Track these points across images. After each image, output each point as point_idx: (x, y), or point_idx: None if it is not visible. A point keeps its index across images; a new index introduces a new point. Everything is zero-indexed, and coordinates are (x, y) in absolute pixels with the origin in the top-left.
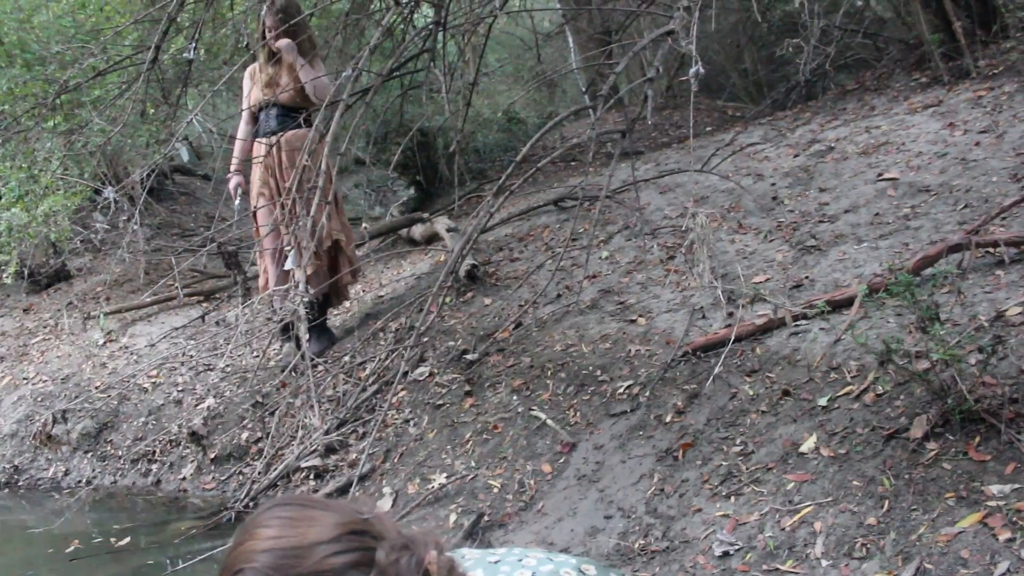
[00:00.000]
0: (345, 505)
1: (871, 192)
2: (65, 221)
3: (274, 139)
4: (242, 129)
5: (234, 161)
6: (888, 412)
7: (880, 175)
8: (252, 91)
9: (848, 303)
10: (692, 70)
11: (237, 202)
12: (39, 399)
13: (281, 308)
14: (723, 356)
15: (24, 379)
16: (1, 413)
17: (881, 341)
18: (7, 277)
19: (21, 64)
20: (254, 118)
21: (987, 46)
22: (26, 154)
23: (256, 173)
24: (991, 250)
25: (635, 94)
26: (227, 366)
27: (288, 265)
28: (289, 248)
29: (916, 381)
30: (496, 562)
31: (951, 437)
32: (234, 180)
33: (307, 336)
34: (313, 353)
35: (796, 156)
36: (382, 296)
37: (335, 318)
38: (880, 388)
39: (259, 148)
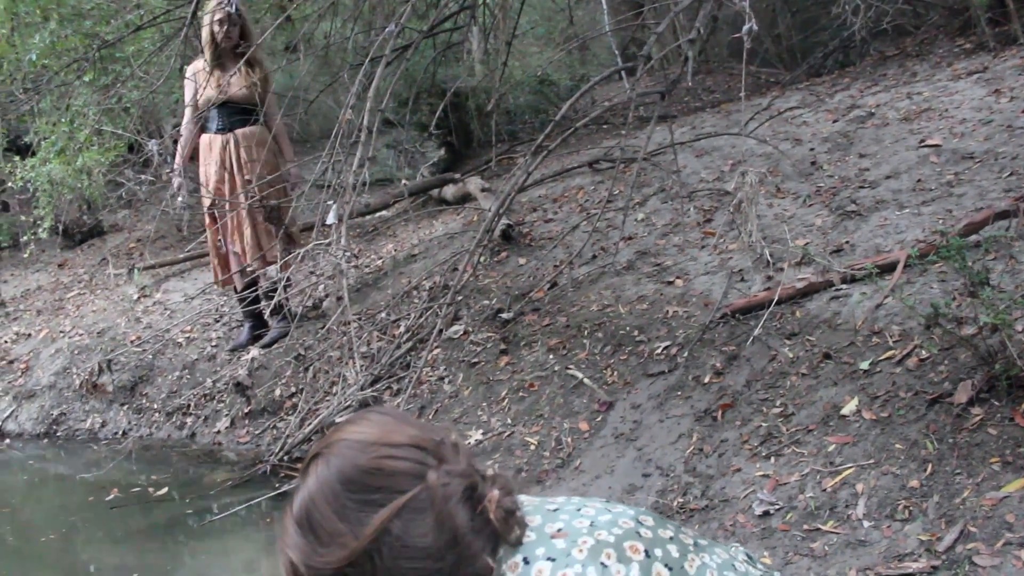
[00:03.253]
0: (431, 426)
1: (913, 158)
2: (100, 177)
3: (230, 135)
4: (186, 127)
5: (178, 158)
6: (932, 377)
7: (922, 141)
8: (200, 90)
9: (891, 268)
10: (745, 27)
11: (179, 199)
12: (76, 352)
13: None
14: (764, 318)
15: (61, 332)
16: (39, 365)
17: (929, 304)
18: (42, 232)
19: (58, 20)
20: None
21: None
22: (68, 108)
23: (211, 169)
24: None
25: (667, 59)
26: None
27: (330, 219)
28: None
29: (962, 346)
30: (555, 510)
31: (997, 403)
32: (177, 181)
33: (273, 320)
34: (279, 336)
35: (835, 121)
36: (415, 255)
37: (368, 274)
38: (924, 352)
39: (215, 143)
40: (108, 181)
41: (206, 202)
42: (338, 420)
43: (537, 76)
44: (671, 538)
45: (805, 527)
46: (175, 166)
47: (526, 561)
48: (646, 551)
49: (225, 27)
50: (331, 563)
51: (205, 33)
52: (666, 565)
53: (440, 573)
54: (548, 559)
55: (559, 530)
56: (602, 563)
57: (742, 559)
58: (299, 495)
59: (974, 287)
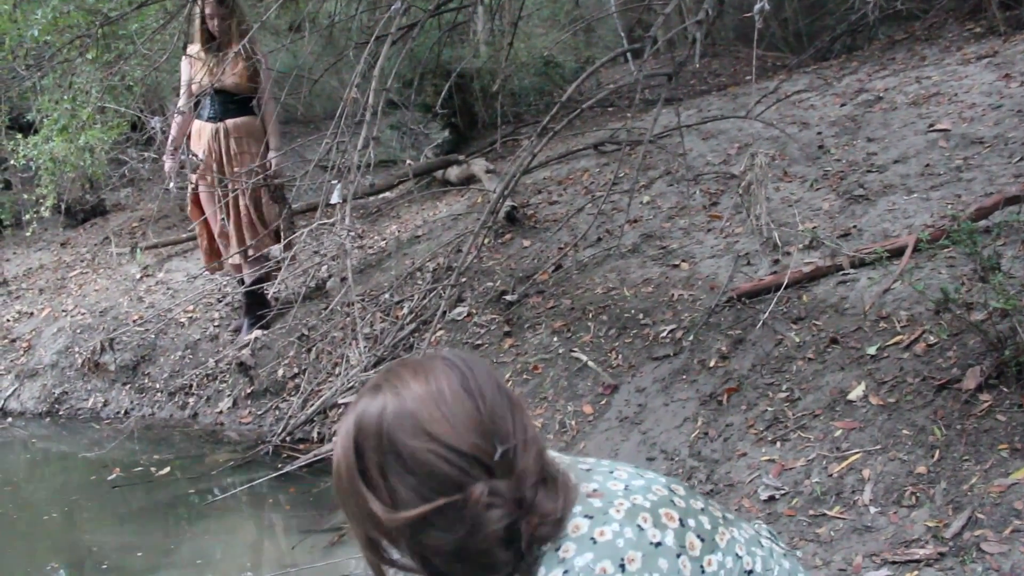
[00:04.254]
0: (504, 425)
1: (921, 143)
2: (103, 155)
3: (220, 124)
4: (178, 114)
5: (171, 142)
6: (940, 362)
7: (931, 126)
8: (194, 75)
9: (899, 253)
10: (757, 6)
11: (172, 185)
12: (78, 331)
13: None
14: (771, 302)
15: (63, 311)
16: (42, 344)
17: (938, 289)
18: (45, 210)
19: None
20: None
21: None
22: (71, 85)
23: (199, 156)
24: None
25: (674, 41)
26: (273, 297)
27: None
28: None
29: (971, 331)
30: (588, 470)
31: (1006, 389)
32: (170, 163)
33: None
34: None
35: (843, 105)
36: (418, 236)
37: (372, 255)
38: (932, 338)
39: (204, 131)
40: (111, 159)
41: (189, 189)
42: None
43: (543, 57)
44: (702, 509)
45: (811, 512)
46: (167, 150)
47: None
48: (680, 520)
49: (216, 21)
50: (369, 509)
51: (197, 22)
52: (698, 536)
53: (459, 563)
54: (585, 516)
55: (594, 490)
56: (638, 525)
57: (766, 535)
58: (372, 409)
59: (984, 272)
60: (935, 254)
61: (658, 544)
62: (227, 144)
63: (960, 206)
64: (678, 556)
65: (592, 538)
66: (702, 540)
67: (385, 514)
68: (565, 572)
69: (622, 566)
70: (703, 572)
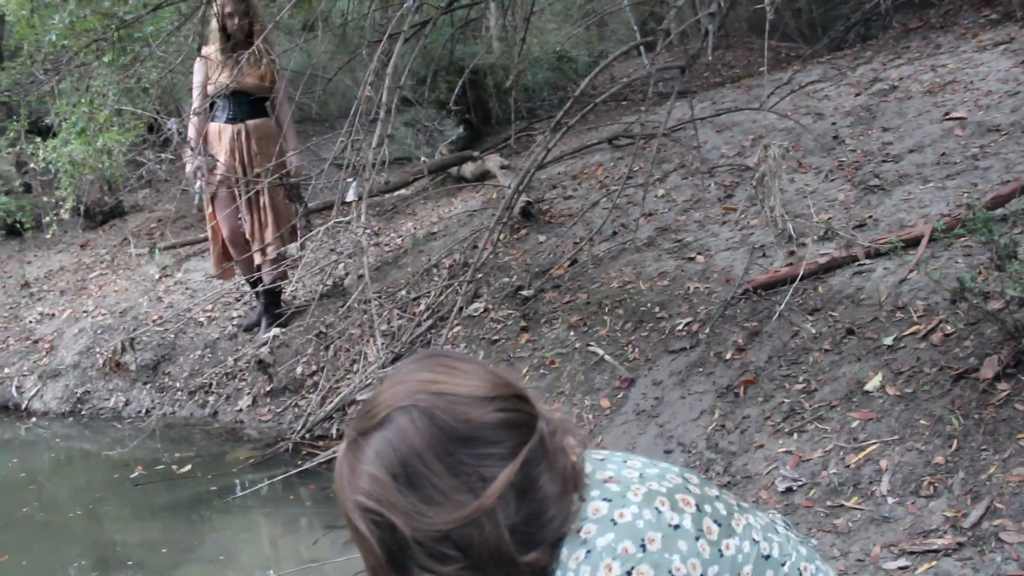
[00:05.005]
0: (498, 369)
1: (937, 131)
2: (120, 157)
3: (241, 125)
4: (195, 113)
5: (191, 142)
6: (957, 352)
7: (947, 114)
8: (214, 75)
9: (915, 242)
10: None
11: (198, 185)
12: (99, 331)
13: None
14: (787, 294)
15: (84, 312)
16: (63, 345)
17: (954, 279)
18: (65, 212)
19: None
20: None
21: None
22: (88, 89)
23: (220, 158)
24: None
25: (686, 33)
26: (291, 296)
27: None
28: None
29: (988, 320)
30: (602, 459)
31: (1023, 378)
32: (194, 163)
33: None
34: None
35: (857, 95)
36: (434, 233)
37: (388, 252)
38: (949, 328)
39: (224, 132)
40: (128, 161)
41: (209, 191)
42: (403, 371)
43: (556, 52)
44: (717, 496)
45: (828, 503)
46: (190, 150)
47: (580, 499)
48: (697, 505)
49: (236, 19)
50: (440, 524)
51: (215, 24)
52: (715, 521)
53: (552, 518)
54: (604, 499)
55: (610, 477)
56: (656, 508)
57: (781, 524)
58: (384, 447)
59: (1001, 261)
60: (951, 243)
61: (677, 527)
62: (248, 145)
63: (977, 195)
64: (696, 539)
65: (612, 519)
66: (719, 525)
67: (464, 510)
68: (588, 552)
69: (643, 546)
70: (721, 556)
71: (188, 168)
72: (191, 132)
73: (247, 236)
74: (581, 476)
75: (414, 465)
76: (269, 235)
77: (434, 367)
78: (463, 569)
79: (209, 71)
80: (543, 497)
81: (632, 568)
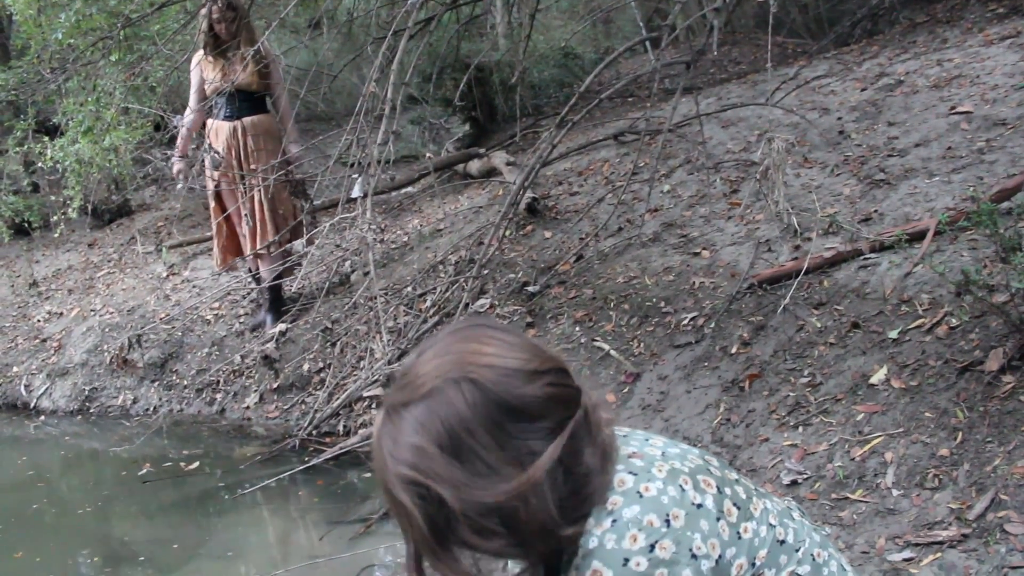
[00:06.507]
0: (537, 341)
1: (943, 126)
2: (127, 156)
3: (237, 122)
4: (188, 116)
5: (180, 144)
6: (962, 345)
7: (953, 108)
8: (208, 77)
9: (920, 237)
10: None
11: (179, 186)
12: (107, 330)
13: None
14: (792, 288)
15: (92, 311)
16: (71, 343)
17: (959, 271)
18: (72, 211)
19: None
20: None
21: None
22: (95, 87)
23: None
24: None
25: (692, 29)
26: (297, 292)
27: (355, 193)
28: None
29: (993, 313)
30: (625, 436)
31: None
32: (179, 165)
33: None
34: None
35: (863, 90)
36: (440, 229)
37: (394, 249)
38: (954, 321)
39: (222, 130)
40: (135, 160)
41: (211, 187)
42: (448, 339)
43: (561, 49)
44: (736, 480)
45: (833, 496)
46: (176, 153)
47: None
48: (718, 487)
49: (223, 25)
50: (488, 497)
51: (204, 26)
52: (735, 504)
53: (592, 492)
54: (630, 473)
55: (634, 452)
56: (680, 486)
57: (796, 511)
58: (430, 418)
59: (1006, 253)
60: (956, 237)
61: (699, 506)
62: (244, 142)
63: (982, 188)
64: (717, 520)
65: (639, 492)
66: (738, 508)
67: (512, 483)
68: (614, 522)
69: (667, 521)
70: (739, 538)
71: (175, 168)
72: (182, 132)
73: (248, 232)
74: (616, 450)
75: (461, 437)
76: (268, 233)
77: (479, 338)
78: (507, 546)
79: (204, 72)
80: (586, 471)
81: (656, 542)
